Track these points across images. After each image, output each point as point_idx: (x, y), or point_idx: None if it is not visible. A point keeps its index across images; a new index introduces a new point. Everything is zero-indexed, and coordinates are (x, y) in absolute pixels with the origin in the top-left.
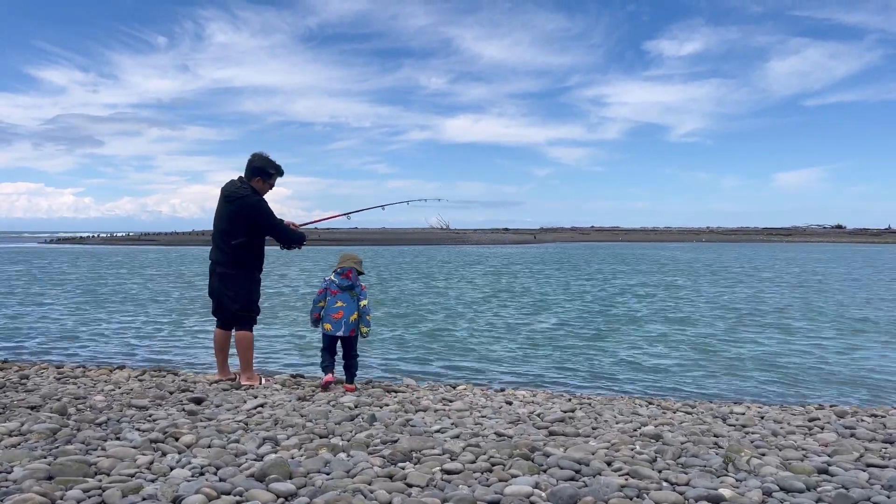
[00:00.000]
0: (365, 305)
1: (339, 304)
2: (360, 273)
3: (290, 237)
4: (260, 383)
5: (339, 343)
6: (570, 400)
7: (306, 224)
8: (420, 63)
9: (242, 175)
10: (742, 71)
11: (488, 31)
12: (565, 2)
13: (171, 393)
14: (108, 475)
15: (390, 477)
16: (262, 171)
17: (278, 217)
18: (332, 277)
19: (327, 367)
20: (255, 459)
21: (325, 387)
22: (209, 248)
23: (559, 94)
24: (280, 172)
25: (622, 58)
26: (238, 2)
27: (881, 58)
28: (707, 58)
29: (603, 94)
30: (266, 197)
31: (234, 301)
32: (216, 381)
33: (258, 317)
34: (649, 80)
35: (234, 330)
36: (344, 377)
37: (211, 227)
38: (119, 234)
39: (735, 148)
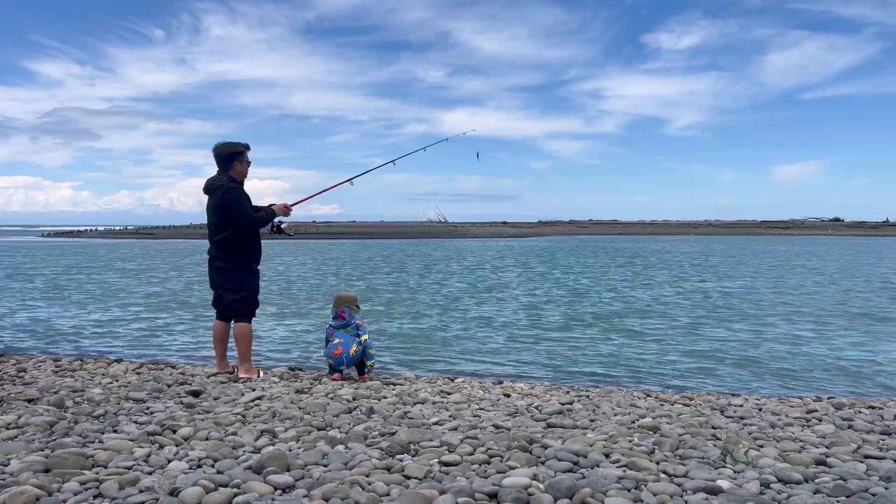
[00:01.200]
0: (366, 340)
1: (337, 340)
2: (357, 309)
3: (256, 226)
4: (258, 376)
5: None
6: (568, 392)
7: (311, 197)
8: (418, 56)
9: (218, 171)
10: (740, 64)
11: (486, 25)
12: None
13: (168, 386)
14: (106, 468)
15: (388, 469)
16: (234, 154)
17: (266, 203)
18: (331, 321)
19: (334, 370)
20: (252, 452)
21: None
22: (203, 241)
23: (557, 87)
24: (248, 147)
25: (620, 51)
26: None
27: (879, 51)
28: (705, 51)
29: (601, 88)
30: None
31: (233, 293)
32: (214, 374)
33: (257, 309)
34: (647, 73)
35: (232, 322)
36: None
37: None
38: (117, 228)
39: (733, 141)
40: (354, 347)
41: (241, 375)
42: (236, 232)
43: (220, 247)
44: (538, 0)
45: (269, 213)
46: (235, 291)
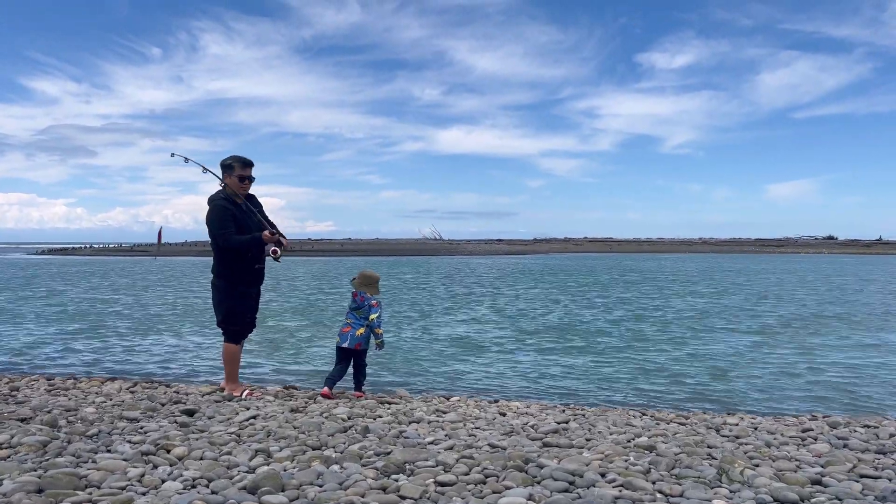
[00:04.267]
0: (374, 319)
1: (348, 320)
2: (375, 290)
3: (232, 248)
4: (240, 394)
5: (351, 356)
6: (563, 411)
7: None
8: (414, 75)
9: None
10: (733, 83)
11: (481, 44)
12: (558, 15)
13: (162, 405)
14: (99, 488)
15: (383, 489)
16: (224, 168)
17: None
18: (350, 302)
19: (329, 380)
20: (247, 472)
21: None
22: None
23: (551, 105)
24: (239, 161)
25: (614, 70)
26: (233, 13)
27: (869, 71)
28: (698, 70)
29: (595, 106)
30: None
31: (217, 312)
32: (209, 393)
33: (245, 330)
34: (641, 92)
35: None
36: (351, 389)
37: (202, 239)
38: (111, 245)
39: (726, 160)
40: (361, 330)
41: (227, 391)
42: (218, 248)
43: (214, 262)
44: (533, 19)
45: (254, 239)
46: (218, 311)
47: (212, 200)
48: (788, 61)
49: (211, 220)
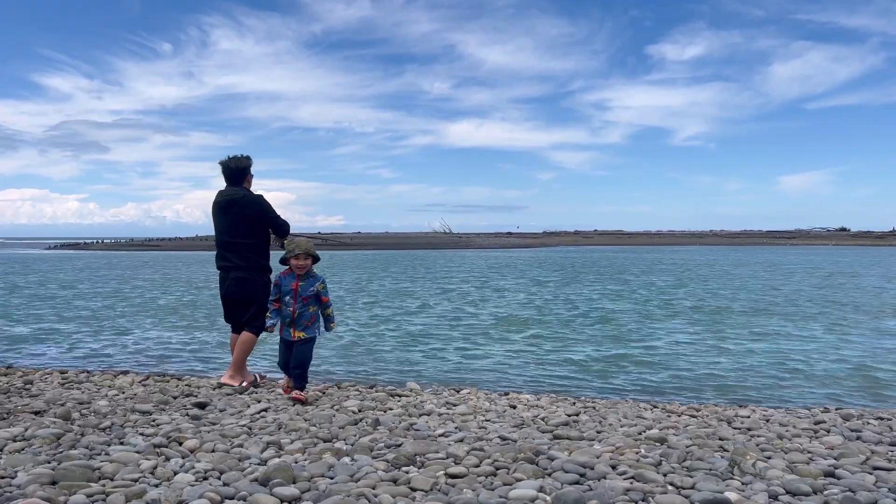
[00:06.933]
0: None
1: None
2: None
3: (286, 229)
4: (239, 385)
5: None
6: (574, 403)
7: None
8: (423, 68)
9: (227, 186)
10: (744, 75)
11: (491, 37)
12: (568, 7)
13: (174, 398)
14: (112, 480)
15: (394, 481)
16: (248, 168)
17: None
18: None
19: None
20: (258, 464)
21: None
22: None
23: (562, 98)
24: (251, 161)
25: (625, 62)
26: (243, 9)
27: (883, 61)
28: (709, 62)
29: (606, 99)
30: (273, 204)
31: (249, 305)
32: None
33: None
34: (652, 84)
35: (244, 331)
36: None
37: (212, 234)
38: (123, 241)
39: (738, 151)
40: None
41: (223, 381)
42: (258, 241)
43: (244, 258)
44: (543, 12)
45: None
46: (252, 304)
47: (257, 196)
48: (801, 52)
49: (272, 212)
